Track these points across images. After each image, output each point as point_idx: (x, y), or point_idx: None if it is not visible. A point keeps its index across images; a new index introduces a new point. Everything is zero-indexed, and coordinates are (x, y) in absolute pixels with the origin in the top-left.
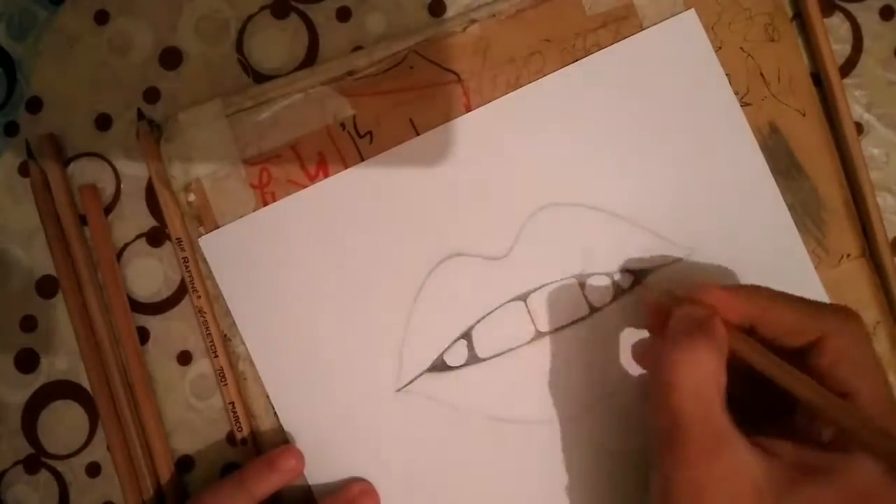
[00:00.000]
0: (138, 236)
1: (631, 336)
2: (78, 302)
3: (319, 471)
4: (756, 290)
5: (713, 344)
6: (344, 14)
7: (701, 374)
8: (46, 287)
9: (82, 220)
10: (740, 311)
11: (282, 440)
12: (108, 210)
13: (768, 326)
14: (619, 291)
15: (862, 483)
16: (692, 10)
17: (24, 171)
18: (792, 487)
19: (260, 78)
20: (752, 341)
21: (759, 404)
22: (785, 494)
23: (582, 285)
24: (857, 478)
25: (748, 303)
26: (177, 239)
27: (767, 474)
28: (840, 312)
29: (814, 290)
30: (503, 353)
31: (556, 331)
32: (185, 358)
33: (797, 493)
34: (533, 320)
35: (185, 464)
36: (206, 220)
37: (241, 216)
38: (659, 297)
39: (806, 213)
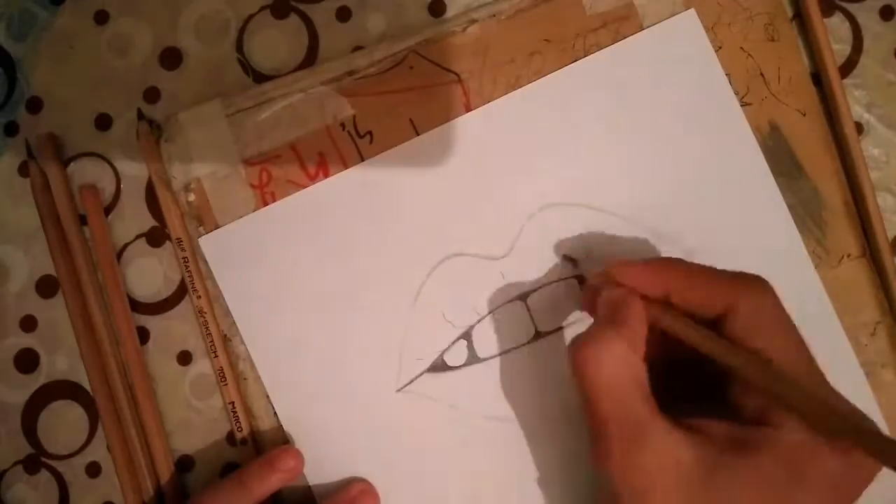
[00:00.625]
0: (138, 236)
1: None
2: (78, 302)
3: (319, 471)
4: (670, 262)
5: (623, 332)
6: (344, 14)
7: (613, 366)
8: (46, 287)
9: (82, 220)
10: (657, 285)
11: (282, 440)
12: (108, 210)
13: (683, 298)
14: None
15: (789, 450)
16: (692, 9)
17: (24, 171)
18: (722, 465)
19: (260, 78)
20: (673, 311)
21: (694, 385)
22: (715, 474)
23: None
24: (783, 445)
25: (662, 276)
26: (177, 239)
27: (696, 456)
28: (748, 279)
29: (813, 289)
30: (503, 353)
31: (556, 331)
32: (185, 358)
33: (727, 470)
34: (533, 320)
35: (185, 464)
36: (206, 220)
37: (241, 216)
38: (589, 280)
39: (806, 213)
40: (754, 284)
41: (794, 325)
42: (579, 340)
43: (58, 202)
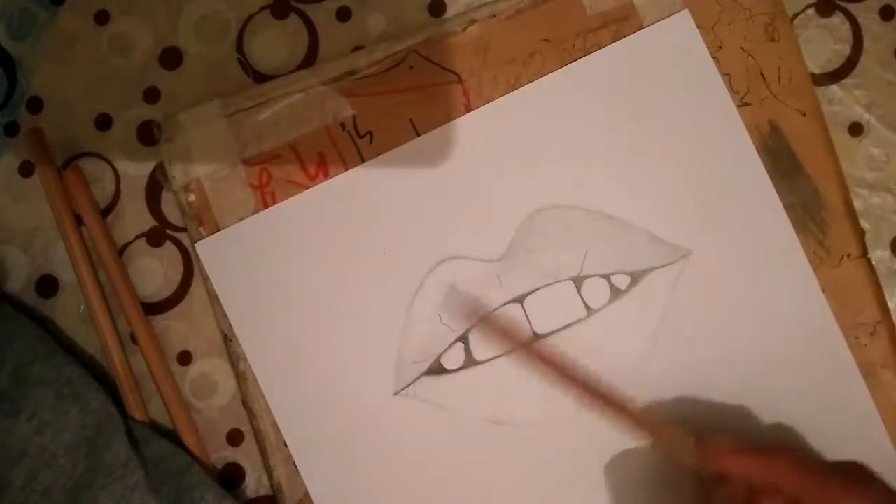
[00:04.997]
0: (138, 236)
1: (627, 338)
2: (98, 299)
3: (318, 473)
4: (782, 456)
5: None
6: (344, 14)
7: None
8: (46, 287)
9: (79, 220)
10: (769, 476)
11: (282, 440)
12: (108, 210)
13: (793, 491)
14: (615, 293)
15: None
16: (686, 10)
17: (24, 171)
18: None
19: (260, 78)
20: None
21: None
22: None
23: (579, 287)
24: None
25: (776, 470)
26: None
27: None
28: (849, 479)
29: (811, 290)
30: (500, 355)
31: (552, 333)
32: (185, 358)
33: None
34: (530, 323)
35: None
36: (206, 220)
37: (241, 216)
38: (689, 461)
39: (806, 213)
40: (856, 488)
41: None
42: None
43: (55, 202)
